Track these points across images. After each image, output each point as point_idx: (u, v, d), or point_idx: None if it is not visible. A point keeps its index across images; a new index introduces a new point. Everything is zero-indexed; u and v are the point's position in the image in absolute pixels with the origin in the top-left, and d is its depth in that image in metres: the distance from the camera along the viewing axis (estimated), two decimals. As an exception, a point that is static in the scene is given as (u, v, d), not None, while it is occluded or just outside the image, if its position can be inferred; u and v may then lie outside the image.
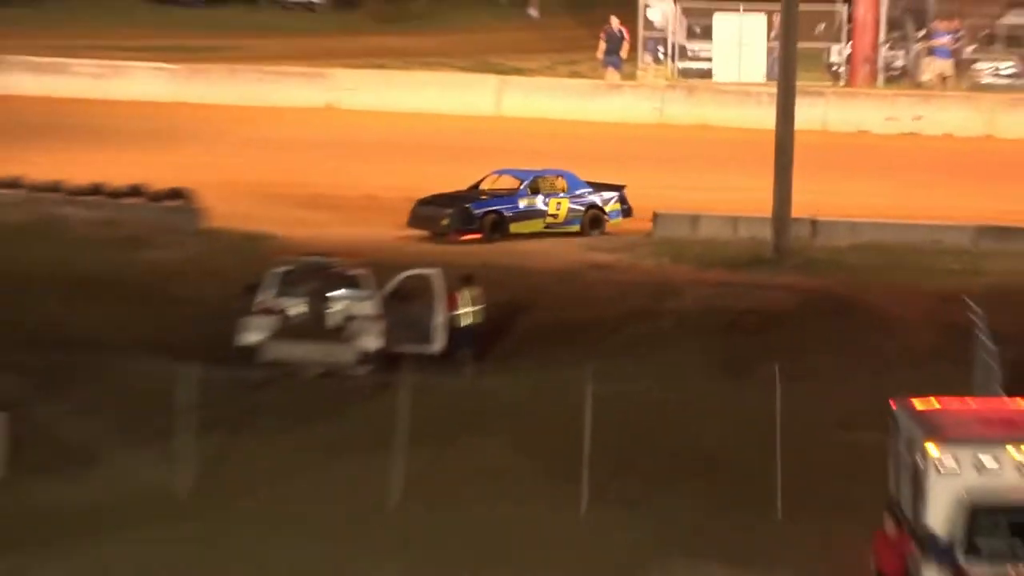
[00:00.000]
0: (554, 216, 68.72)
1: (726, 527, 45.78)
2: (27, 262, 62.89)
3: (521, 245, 66.97)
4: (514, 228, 67.45)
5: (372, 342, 55.17)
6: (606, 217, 69.74)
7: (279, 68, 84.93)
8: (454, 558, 44.46)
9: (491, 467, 48.89)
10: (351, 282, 56.14)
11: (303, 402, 52.92)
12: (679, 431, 50.14)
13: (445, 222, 66.08)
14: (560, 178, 70.06)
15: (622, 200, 70.49)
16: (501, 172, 70.36)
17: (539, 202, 68.17)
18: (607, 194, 70.48)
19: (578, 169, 73.11)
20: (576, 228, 69.56)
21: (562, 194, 69.39)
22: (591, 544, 45.50)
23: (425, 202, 68.01)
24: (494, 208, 67.15)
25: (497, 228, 66.18)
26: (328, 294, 55.97)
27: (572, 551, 45.10)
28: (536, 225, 68.88)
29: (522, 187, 69.27)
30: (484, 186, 70.24)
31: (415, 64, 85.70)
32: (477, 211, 67.31)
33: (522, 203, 67.66)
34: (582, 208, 69.37)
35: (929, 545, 41.24)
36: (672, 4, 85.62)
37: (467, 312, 56.80)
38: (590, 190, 70.41)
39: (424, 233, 68.40)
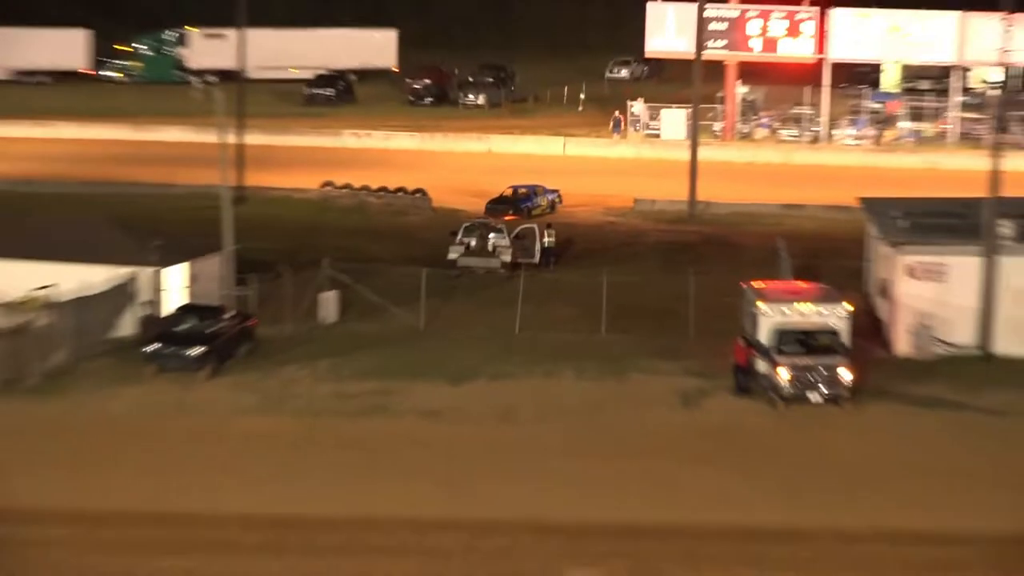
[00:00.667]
0: (541, 205, 66.01)
1: (666, 342, 45.87)
2: (350, 223, 62.85)
3: (568, 214, 65.70)
4: (533, 213, 64.38)
5: (506, 258, 54.81)
6: (559, 204, 67.13)
7: (465, 134, 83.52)
8: (544, 356, 44.81)
9: (560, 315, 48.87)
10: (497, 230, 55.83)
11: (476, 285, 52.78)
12: (645, 298, 49.61)
13: (510, 213, 63.09)
14: (541, 186, 67.17)
15: (559, 196, 67.45)
16: (514, 186, 66.80)
17: (538, 200, 66.00)
18: (554, 194, 67.53)
19: (598, 180, 72.64)
20: (548, 212, 65.92)
21: (544, 194, 66.98)
22: (606, 349, 45.72)
23: (491, 202, 64.93)
24: (526, 204, 64.83)
25: (529, 213, 63.59)
26: (487, 235, 55.67)
27: (598, 352, 45.29)
28: (539, 211, 65.44)
29: (530, 192, 66.26)
30: (506, 193, 66.43)
31: (527, 132, 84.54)
32: (521, 206, 64.66)
33: (534, 200, 65.56)
34: (550, 201, 66.76)
35: (760, 349, 41.90)
36: (643, 104, 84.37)
37: (549, 241, 56.52)
38: (550, 191, 67.42)
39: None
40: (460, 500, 35.18)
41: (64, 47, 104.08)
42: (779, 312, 42.21)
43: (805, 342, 41.70)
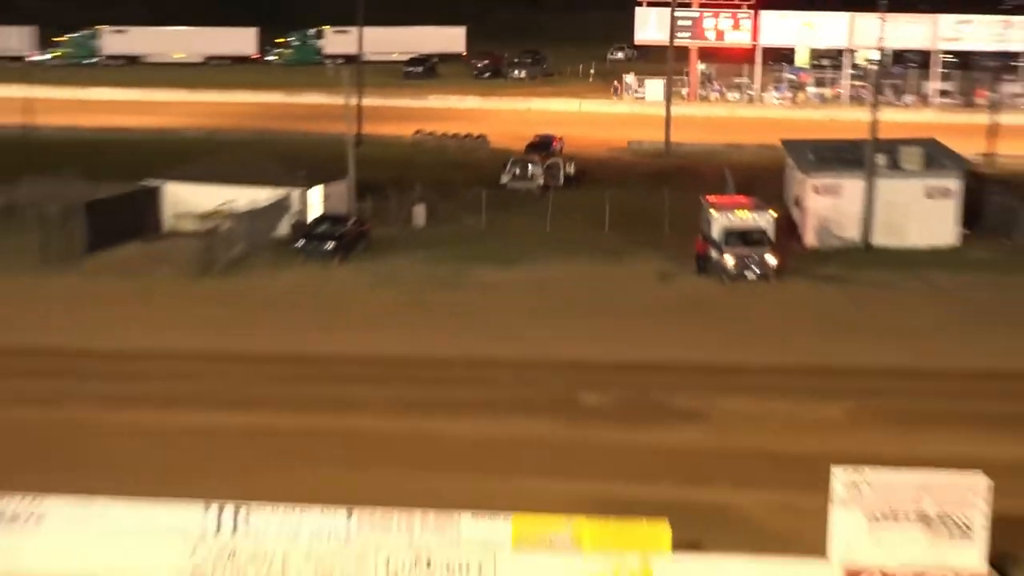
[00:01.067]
0: (558, 145, 62.40)
1: (651, 237, 45.26)
2: (434, 159, 62.15)
3: (581, 151, 62.85)
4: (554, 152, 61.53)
5: (540, 181, 53.92)
6: (563, 145, 62.40)
7: (512, 97, 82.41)
8: (567, 248, 44.17)
9: (576, 221, 48.02)
10: (534, 162, 54.93)
11: (520, 201, 51.70)
12: (636, 208, 48.82)
13: (544, 152, 59.82)
14: (551, 134, 63.38)
15: (563, 140, 62.94)
16: (538, 135, 63.75)
17: (555, 142, 62.44)
18: (560, 140, 62.97)
19: (602, 128, 71.21)
20: (557, 151, 61.61)
21: (557, 139, 63.20)
22: (609, 241, 45.20)
23: (528, 146, 61.52)
24: (552, 145, 61.57)
25: (553, 152, 60.13)
26: (527, 166, 54.67)
27: (602, 244, 44.72)
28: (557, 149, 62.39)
29: (547, 138, 62.82)
30: (534, 139, 63.36)
31: (554, 95, 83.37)
32: (552, 147, 61.41)
33: (555, 143, 62.33)
34: (560, 143, 62.85)
35: (713, 243, 41.31)
36: (633, 76, 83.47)
37: (569, 171, 55.48)
38: (556, 137, 63.18)
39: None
40: (506, 345, 34.67)
41: (240, 40, 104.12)
42: (726, 217, 41.62)
43: (744, 238, 41.05)
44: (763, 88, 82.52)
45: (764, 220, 41.67)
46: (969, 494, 20.68)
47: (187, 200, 46.03)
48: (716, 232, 41.36)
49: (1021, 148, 60.52)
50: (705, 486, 25.37)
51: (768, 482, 25.43)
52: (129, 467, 26.04)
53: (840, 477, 20.88)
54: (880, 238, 44.51)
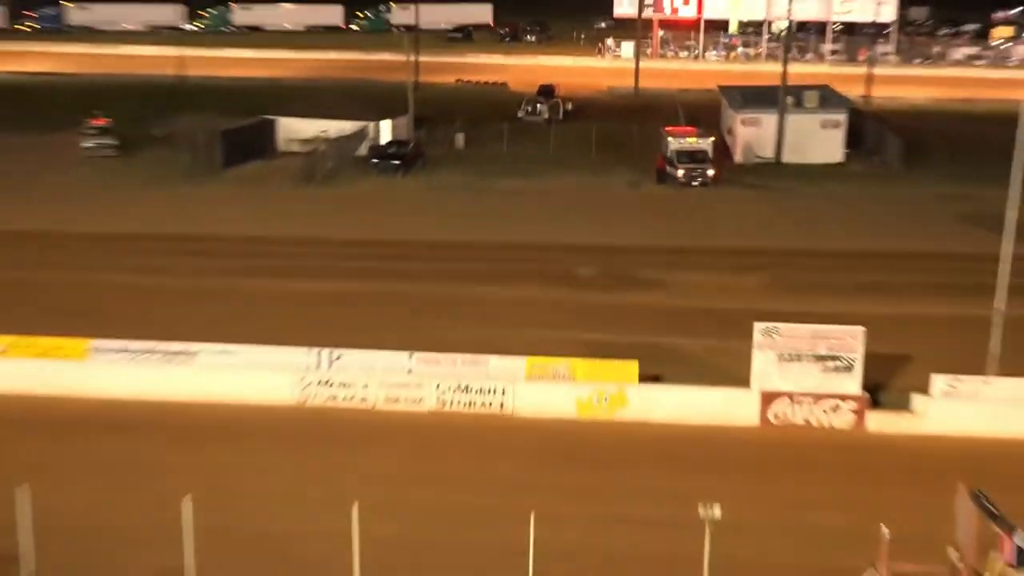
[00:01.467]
0: (556, 89, 57.01)
1: (624, 156, 44.04)
2: (469, 98, 59.92)
3: (573, 95, 58.73)
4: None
5: (545, 116, 52.15)
6: (559, 89, 56.45)
7: (525, 55, 79.79)
8: (564, 165, 42.83)
9: (571, 146, 46.32)
10: (542, 101, 53.13)
11: (531, 131, 49.77)
12: (614, 136, 47.10)
13: (549, 95, 55.18)
14: (555, 82, 58.21)
15: (559, 87, 56.75)
16: (543, 83, 57.69)
17: (555, 88, 57.26)
18: (556, 87, 56.78)
19: (590, 78, 68.50)
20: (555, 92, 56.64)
21: (556, 85, 57.61)
22: (595, 163, 43.56)
23: (537, 91, 56.21)
24: (553, 90, 56.04)
25: (554, 95, 55.09)
26: (536, 104, 52.90)
27: (590, 162, 43.28)
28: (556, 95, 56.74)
29: (554, 85, 57.27)
30: (540, 85, 57.65)
31: (555, 54, 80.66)
32: (554, 91, 56.02)
33: (555, 89, 56.80)
34: (558, 88, 56.89)
35: (668, 160, 40.00)
36: (612, 40, 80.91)
37: (567, 108, 53.65)
38: (554, 85, 57.18)
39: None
40: (521, 233, 33.77)
41: (331, 14, 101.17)
42: (678, 142, 40.39)
43: (691, 156, 39.85)
44: (705, 49, 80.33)
45: (706, 144, 40.42)
46: (851, 340, 20.61)
47: (294, 129, 44.94)
48: (671, 152, 40.14)
49: (889, 92, 58.84)
50: (663, 335, 24.91)
51: (708, 332, 24.97)
52: (253, 320, 25.73)
53: (759, 328, 20.78)
54: (788, 157, 43.33)
